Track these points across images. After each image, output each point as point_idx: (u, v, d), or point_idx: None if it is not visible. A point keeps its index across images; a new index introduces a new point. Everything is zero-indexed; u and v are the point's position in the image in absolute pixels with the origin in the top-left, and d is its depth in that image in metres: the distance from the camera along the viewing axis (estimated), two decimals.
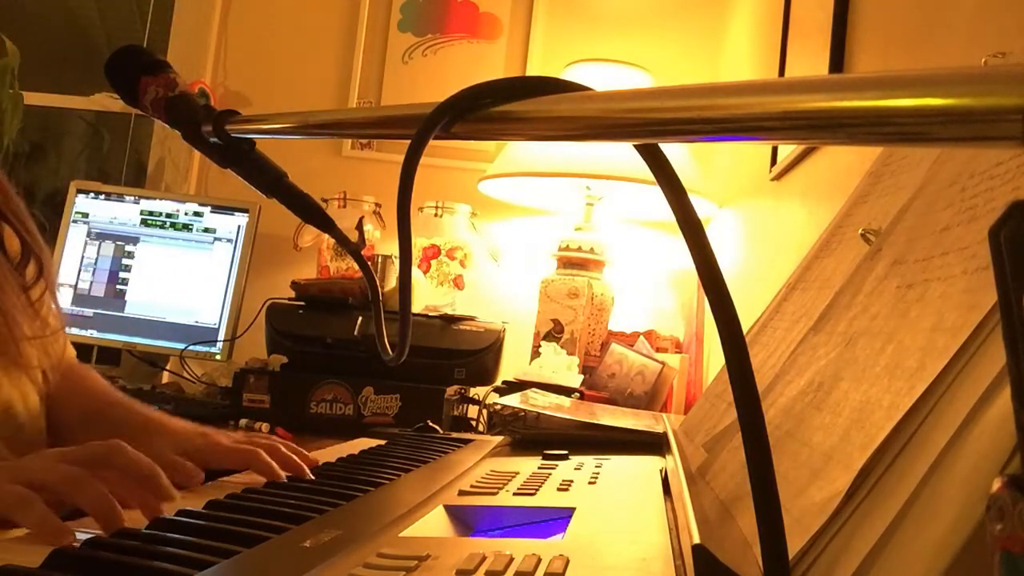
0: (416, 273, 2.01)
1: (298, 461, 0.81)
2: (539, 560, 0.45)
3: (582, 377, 1.83)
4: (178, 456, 0.77)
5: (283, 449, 0.82)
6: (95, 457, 0.62)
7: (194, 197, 2.26)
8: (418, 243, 2.08)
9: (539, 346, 1.90)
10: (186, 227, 2.12)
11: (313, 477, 0.79)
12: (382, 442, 1.08)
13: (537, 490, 0.68)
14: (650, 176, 0.37)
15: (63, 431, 0.96)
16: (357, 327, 1.75)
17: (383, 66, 2.40)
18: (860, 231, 0.68)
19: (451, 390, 1.72)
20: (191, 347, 2.01)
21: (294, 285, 1.86)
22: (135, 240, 2.12)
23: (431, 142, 0.45)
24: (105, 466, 0.62)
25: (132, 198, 2.15)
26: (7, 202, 0.95)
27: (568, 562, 0.45)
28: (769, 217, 1.64)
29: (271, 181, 0.72)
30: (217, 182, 2.38)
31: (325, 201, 2.03)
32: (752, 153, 1.79)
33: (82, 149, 2.85)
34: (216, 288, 2.08)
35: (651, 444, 0.99)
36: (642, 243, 2.29)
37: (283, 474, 0.78)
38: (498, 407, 1.20)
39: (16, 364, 0.89)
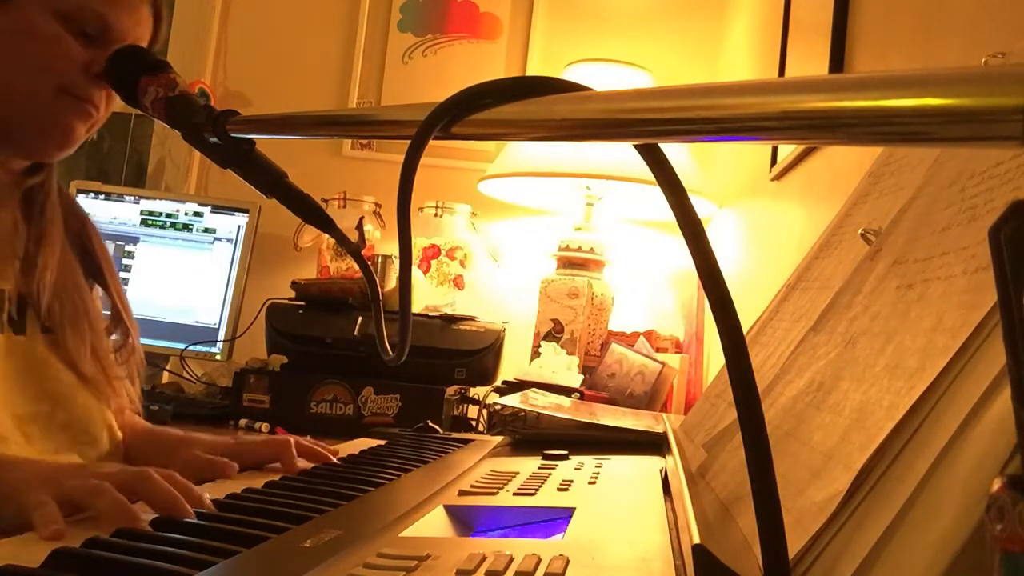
0: (416, 273, 2.01)
1: (323, 452, 0.90)
2: (539, 560, 0.45)
3: (582, 377, 1.83)
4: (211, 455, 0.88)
5: (305, 443, 0.91)
6: (123, 483, 0.64)
7: (194, 197, 2.26)
8: (418, 243, 2.08)
9: (539, 346, 1.90)
10: (186, 227, 2.12)
11: (337, 462, 0.89)
12: (382, 442, 1.08)
13: (537, 490, 0.68)
14: (650, 176, 0.37)
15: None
16: (357, 327, 1.75)
17: (383, 66, 2.40)
18: (860, 231, 0.68)
19: (451, 390, 1.72)
20: (191, 347, 2.01)
21: (294, 285, 1.86)
22: (135, 240, 2.12)
23: (431, 142, 0.45)
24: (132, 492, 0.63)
25: (132, 198, 2.15)
26: (111, 275, 1.05)
27: (568, 562, 0.45)
28: (769, 217, 1.64)
29: (271, 181, 0.72)
30: (217, 182, 2.38)
31: (325, 201, 2.03)
32: (752, 153, 1.79)
33: (82, 149, 2.85)
34: (216, 288, 2.08)
35: (651, 444, 0.99)
36: (642, 243, 2.29)
37: (306, 465, 0.87)
38: (498, 407, 1.20)
39: (106, 401, 0.97)
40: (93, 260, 1.04)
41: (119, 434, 0.99)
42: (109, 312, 1.04)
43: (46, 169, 0.99)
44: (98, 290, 1.05)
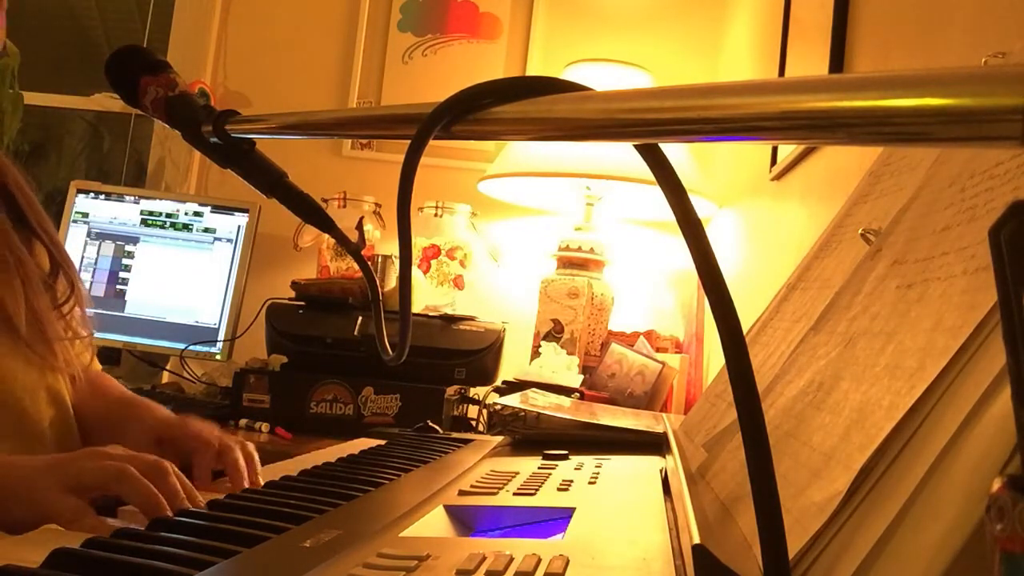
0: (416, 273, 2.01)
1: (255, 477, 0.81)
2: (539, 560, 0.45)
3: (582, 377, 1.83)
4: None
5: (252, 457, 0.84)
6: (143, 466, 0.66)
7: (194, 197, 2.26)
8: (418, 243, 2.08)
9: (539, 346, 1.90)
10: (186, 227, 2.12)
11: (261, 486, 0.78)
12: (382, 442, 1.08)
13: (537, 490, 0.68)
14: (650, 176, 0.37)
15: (85, 429, 0.99)
16: (357, 327, 1.75)
17: (383, 66, 2.40)
18: (860, 231, 0.68)
19: (451, 390, 1.72)
20: (191, 347, 2.01)
21: (294, 285, 1.86)
22: (135, 240, 2.12)
23: (431, 142, 0.45)
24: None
25: (132, 198, 2.15)
26: (40, 220, 0.98)
27: (568, 562, 0.45)
28: (769, 217, 1.64)
29: (271, 181, 0.72)
30: (217, 182, 2.39)
31: (325, 201, 2.03)
32: (752, 153, 1.79)
33: (82, 149, 2.85)
34: (216, 288, 2.08)
35: (651, 444, 0.99)
36: (642, 243, 2.29)
37: (244, 482, 0.79)
38: (498, 407, 1.20)
39: (51, 366, 0.92)
40: (17, 208, 0.95)
41: (68, 402, 0.94)
42: (50, 263, 0.96)
43: None
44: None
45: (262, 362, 1.78)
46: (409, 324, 0.61)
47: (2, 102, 2.31)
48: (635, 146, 0.37)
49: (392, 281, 1.92)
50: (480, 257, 2.18)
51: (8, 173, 0.97)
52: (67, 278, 0.97)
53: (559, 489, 0.69)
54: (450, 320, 1.80)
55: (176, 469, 0.67)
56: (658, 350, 1.91)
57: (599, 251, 2.04)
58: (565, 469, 0.81)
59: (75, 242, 2.12)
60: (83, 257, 2.11)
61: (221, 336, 2.04)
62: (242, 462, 0.81)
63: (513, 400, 1.22)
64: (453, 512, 0.63)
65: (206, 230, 2.11)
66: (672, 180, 0.36)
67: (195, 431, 0.86)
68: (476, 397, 1.82)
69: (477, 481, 0.73)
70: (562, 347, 1.89)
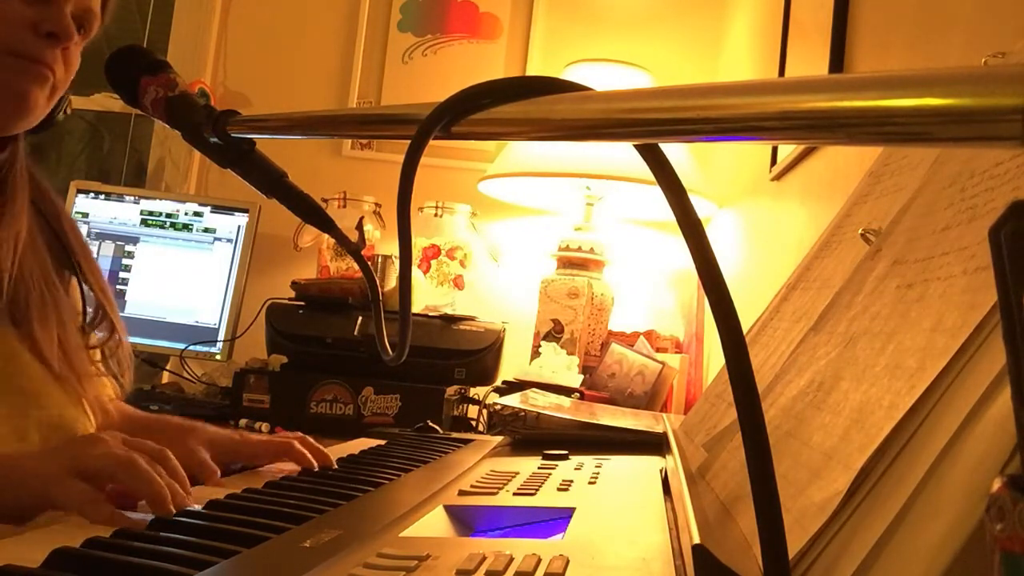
0: (416, 273, 2.01)
1: (325, 453, 0.88)
2: (539, 560, 0.45)
3: (582, 377, 1.83)
4: (208, 455, 0.84)
5: (311, 442, 0.89)
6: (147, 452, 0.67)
7: (194, 197, 2.26)
8: (418, 243, 2.08)
9: (539, 346, 1.90)
10: (186, 227, 2.12)
11: (336, 467, 0.87)
12: (382, 442, 1.08)
13: (537, 490, 0.68)
14: (650, 176, 0.37)
15: None
16: (357, 327, 1.75)
17: (383, 66, 2.40)
18: (860, 231, 0.68)
19: (451, 390, 1.72)
20: (191, 347, 2.01)
21: (294, 285, 1.86)
22: (135, 240, 2.12)
23: (431, 142, 0.45)
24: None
25: (132, 198, 2.15)
26: (88, 263, 1.00)
27: (568, 562, 0.45)
28: (769, 217, 1.64)
29: (271, 181, 0.72)
30: (217, 182, 2.38)
31: (325, 201, 2.03)
32: (752, 153, 1.79)
33: (82, 149, 2.84)
34: (216, 288, 2.08)
35: (651, 444, 0.99)
36: (642, 243, 2.29)
37: (316, 463, 0.86)
38: (498, 407, 1.20)
39: (78, 399, 0.93)
40: (68, 251, 0.98)
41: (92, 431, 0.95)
42: (92, 307, 0.99)
43: (11, 145, 0.92)
44: (77, 284, 0.99)
45: (262, 362, 1.78)
46: (409, 324, 0.61)
47: None
48: (635, 146, 0.37)
49: (392, 281, 1.92)
50: (480, 257, 2.18)
51: (63, 216, 1.00)
52: (107, 324, 0.99)
53: (559, 489, 0.69)
54: (450, 320, 1.80)
55: (173, 457, 0.69)
56: (658, 350, 1.91)
57: (599, 251, 2.04)
58: (565, 469, 0.81)
59: None
60: None
61: (221, 336, 2.04)
62: (308, 454, 0.86)
63: (513, 400, 1.22)
64: (453, 512, 0.63)
65: (206, 230, 2.11)
66: (672, 180, 0.36)
67: (254, 442, 0.91)
68: (476, 397, 1.82)
69: (477, 481, 0.73)
70: (562, 347, 1.89)
